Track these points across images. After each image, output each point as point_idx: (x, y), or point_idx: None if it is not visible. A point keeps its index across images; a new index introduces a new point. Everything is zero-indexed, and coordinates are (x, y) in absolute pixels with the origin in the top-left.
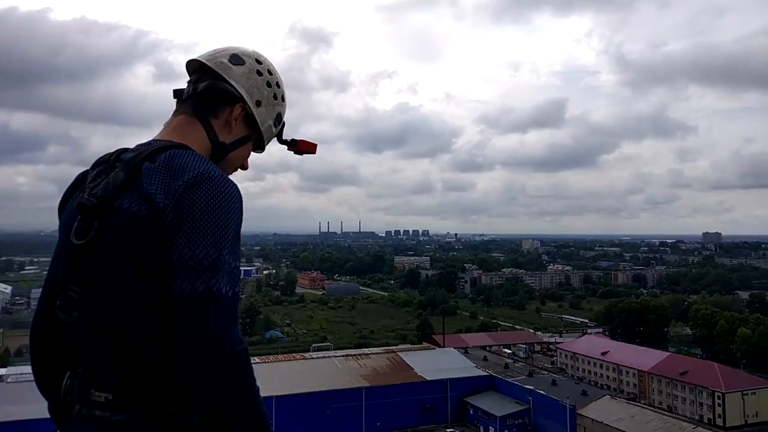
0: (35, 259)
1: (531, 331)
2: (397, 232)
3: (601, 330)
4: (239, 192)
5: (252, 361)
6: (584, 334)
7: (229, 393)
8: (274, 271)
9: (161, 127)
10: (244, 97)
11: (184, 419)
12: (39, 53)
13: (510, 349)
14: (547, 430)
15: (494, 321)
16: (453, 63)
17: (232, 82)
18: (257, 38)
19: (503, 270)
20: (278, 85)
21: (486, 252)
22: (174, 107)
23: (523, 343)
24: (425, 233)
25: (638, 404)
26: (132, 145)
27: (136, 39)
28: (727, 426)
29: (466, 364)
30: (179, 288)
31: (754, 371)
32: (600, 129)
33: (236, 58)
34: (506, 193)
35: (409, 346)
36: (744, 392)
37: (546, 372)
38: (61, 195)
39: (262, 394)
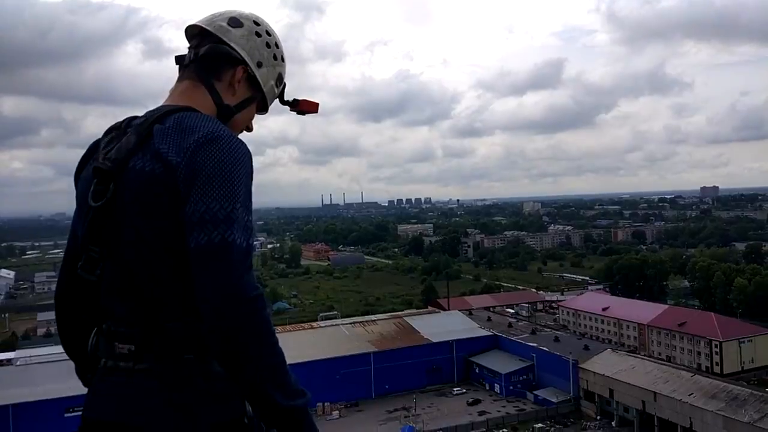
0: (36, 244)
1: (533, 290)
2: (400, 201)
3: (601, 287)
4: (248, 150)
5: None
6: (585, 291)
7: (247, 334)
8: (278, 244)
9: (154, 105)
10: (245, 58)
11: (203, 366)
12: (28, 36)
13: (513, 309)
14: (551, 384)
15: (497, 283)
16: (448, 27)
17: (233, 45)
18: (248, 10)
19: (505, 233)
20: (277, 46)
21: (488, 216)
22: (168, 86)
23: (525, 303)
24: (427, 201)
25: (638, 356)
26: None
27: (127, 17)
28: (724, 373)
29: (470, 325)
30: (196, 240)
31: (751, 320)
32: (597, 88)
33: (235, 21)
34: (506, 157)
35: (415, 310)
36: (740, 340)
37: (548, 329)
38: (54, 178)
39: None
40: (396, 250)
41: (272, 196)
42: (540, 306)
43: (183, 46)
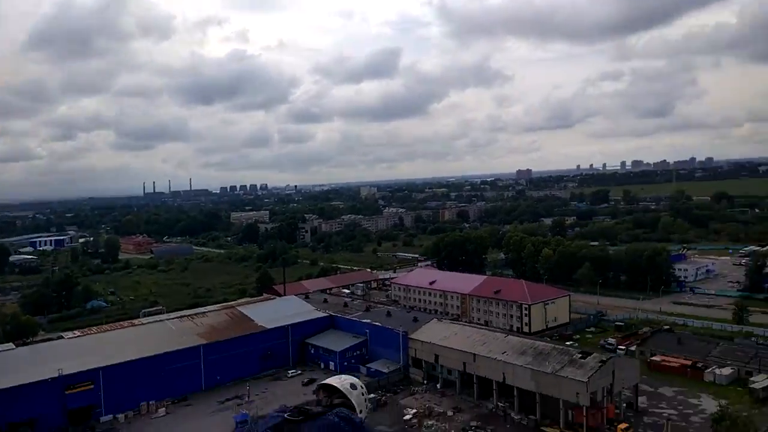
0: None
1: (368, 270)
2: (233, 187)
3: (429, 262)
4: None
5: (71, 335)
6: (415, 267)
7: None
8: (91, 238)
9: None
10: (356, 408)
11: None
12: None
13: (349, 289)
14: (383, 356)
15: (334, 265)
16: (286, 8)
17: (354, 403)
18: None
19: (342, 217)
20: (367, 401)
21: (326, 201)
22: None
23: (360, 282)
24: (264, 187)
25: (460, 323)
26: None
27: None
28: (532, 331)
29: (306, 308)
30: None
31: (554, 284)
32: (430, 79)
33: (353, 386)
34: (344, 142)
35: (249, 299)
36: (546, 302)
37: (382, 305)
38: None
39: (85, 368)
40: (229, 238)
41: (84, 185)
42: (374, 284)
43: None
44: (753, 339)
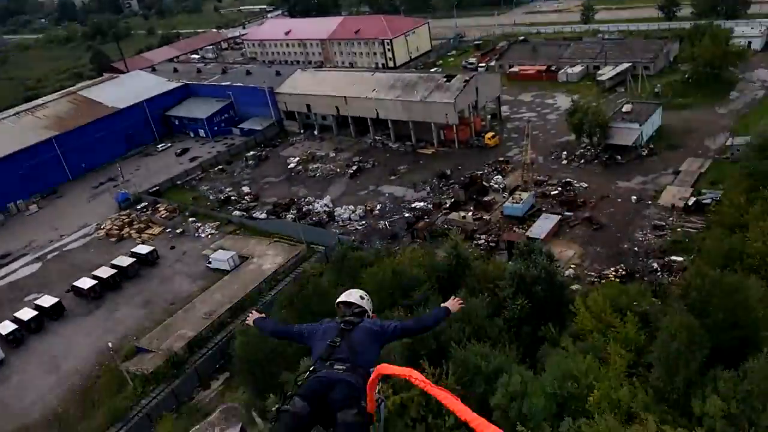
0: None
1: (215, 30)
2: None
3: (280, 11)
4: None
5: None
6: (266, 19)
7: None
8: None
9: None
10: (368, 311)
11: (361, 375)
12: None
13: (198, 54)
14: (252, 115)
15: (174, 31)
16: None
17: (366, 308)
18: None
19: None
20: (372, 300)
21: None
22: None
23: (209, 45)
24: None
25: (325, 69)
26: None
27: None
28: (397, 65)
29: (156, 81)
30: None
31: (413, 14)
32: None
33: (361, 297)
34: None
35: (89, 82)
36: (406, 34)
37: (238, 65)
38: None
39: None
40: (43, 20)
41: None
42: (225, 45)
43: None
44: (600, 35)
